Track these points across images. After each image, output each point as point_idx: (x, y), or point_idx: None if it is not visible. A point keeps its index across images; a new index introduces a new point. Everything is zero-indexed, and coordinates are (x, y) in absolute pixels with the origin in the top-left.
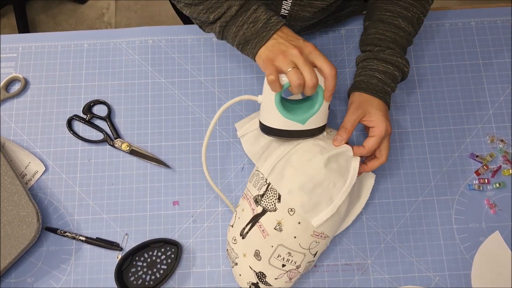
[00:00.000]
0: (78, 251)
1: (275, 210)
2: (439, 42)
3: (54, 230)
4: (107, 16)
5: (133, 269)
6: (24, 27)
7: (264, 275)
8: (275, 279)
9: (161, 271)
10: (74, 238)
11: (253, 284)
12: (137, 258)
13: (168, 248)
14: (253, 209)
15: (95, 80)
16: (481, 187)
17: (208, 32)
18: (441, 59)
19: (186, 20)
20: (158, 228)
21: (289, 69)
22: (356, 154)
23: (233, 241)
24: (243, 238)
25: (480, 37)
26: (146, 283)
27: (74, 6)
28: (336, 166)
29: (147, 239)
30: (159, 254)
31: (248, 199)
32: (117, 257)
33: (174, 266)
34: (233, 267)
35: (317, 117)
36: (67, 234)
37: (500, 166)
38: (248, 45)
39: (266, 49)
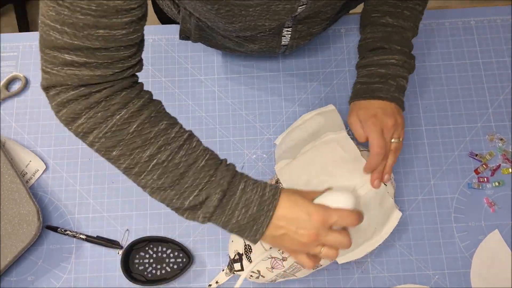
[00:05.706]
0: (78, 249)
1: None
2: (439, 41)
3: (55, 229)
4: None
5: (142, 253)
6: (24, 26)
7: (251, 250)
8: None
9: (163, 271)
10: (74, 237)
11: (238, 254)
12: (151, 246)
13: (181, 255)
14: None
15: None
16: (480, 185)
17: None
18: (441, 58)
19: (167, 21)
20: (158, 226)
21: (320, 252)
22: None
23: None
24: None
25: (480, 36)
26: (145, 273)
27: None
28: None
29: (168, 236)
30: (171, 255)
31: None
32: (118, 253)
33: (176, 275)
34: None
35: None
36: (67, 232)
37: (500, 164)
38: (245, 233)
39: (271, 234)
